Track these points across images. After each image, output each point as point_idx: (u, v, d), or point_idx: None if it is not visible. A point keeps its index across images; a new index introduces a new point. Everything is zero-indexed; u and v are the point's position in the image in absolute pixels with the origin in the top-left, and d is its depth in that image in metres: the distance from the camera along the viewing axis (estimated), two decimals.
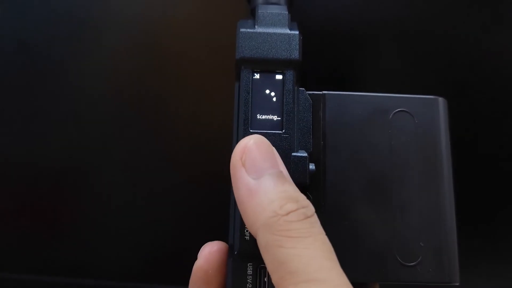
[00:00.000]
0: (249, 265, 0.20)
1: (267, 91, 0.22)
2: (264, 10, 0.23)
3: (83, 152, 0.36)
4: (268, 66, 0.22)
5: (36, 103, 0.37)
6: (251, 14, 0.24)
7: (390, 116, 0.23)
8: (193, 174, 0.36)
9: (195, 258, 0.22)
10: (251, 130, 0.21)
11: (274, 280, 0.17)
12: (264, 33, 0.22)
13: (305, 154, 0.21)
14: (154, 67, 0.36)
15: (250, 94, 0.22)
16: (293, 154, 0.21)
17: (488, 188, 0.34)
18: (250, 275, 0.20)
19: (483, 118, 0.34)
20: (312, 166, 0.22)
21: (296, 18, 0.24)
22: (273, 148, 0.20)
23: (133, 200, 0.36)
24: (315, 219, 0.18)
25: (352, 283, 0.17)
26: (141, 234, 0.37)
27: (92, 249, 0.37)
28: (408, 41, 0.34)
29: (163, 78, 0.36)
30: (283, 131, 0.21)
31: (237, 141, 0.20)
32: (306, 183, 0.21)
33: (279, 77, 0.22)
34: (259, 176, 0.18)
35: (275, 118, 0.22)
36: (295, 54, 0.22)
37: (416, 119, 0.23)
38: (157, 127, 0.36)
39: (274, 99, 0.22)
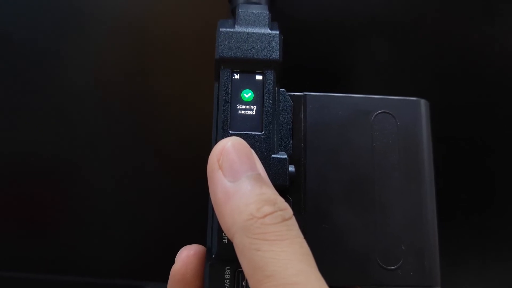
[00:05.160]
0: (227, 269, 0.20)
1: (247, 92, 0.21)
2: (244, 10, 0.22)
3: (69, 148, 0.36)
4: (248, 66, 0.22)
5: (20, 98, 0.36)
6: (232, 14, 0.24)
7: (372, 118, 0.23)
8: (181, 171, 0.36)
9: None
10: (230, 131, 0.21)
11: (252, 284, 0.17)
12: (244, 32, 0.22)
13: (285, 156, 0.21)
14: (142, 62, 0.35)
15: (230, 95, 0.21)
16: (273, 156, 0.21)
17: (471, 189, 0.34)
18: (227, 279, 0.20)
19: (467, 116, 0.34)
20: (292, 168, 0.21)
21: (280, 14, 0.24)
22: (252, 150, 0.19)
23: (120, 197, 0.36)
24: (293, 222, 0.18)
25: (333, 287, 0.17)
26: (128, 232, 0.36)
27: (78, 246, 0.36)
28: (395, 39, 0.34)
29: (151, 74, 0.35)
30: (263, 132, 0.21)
31: (216, 143, 0.19)
32: (286, 186, 0.21)
33: (259, 77, 0.22)
34: (237, 179, 0.18)
35: (254, 119, 0.21)
36: (276, 54, 0.22)
37: (398, 120, 0.23)
38: (145, 124, 0.36)
39: (254, 100, 0.21)
